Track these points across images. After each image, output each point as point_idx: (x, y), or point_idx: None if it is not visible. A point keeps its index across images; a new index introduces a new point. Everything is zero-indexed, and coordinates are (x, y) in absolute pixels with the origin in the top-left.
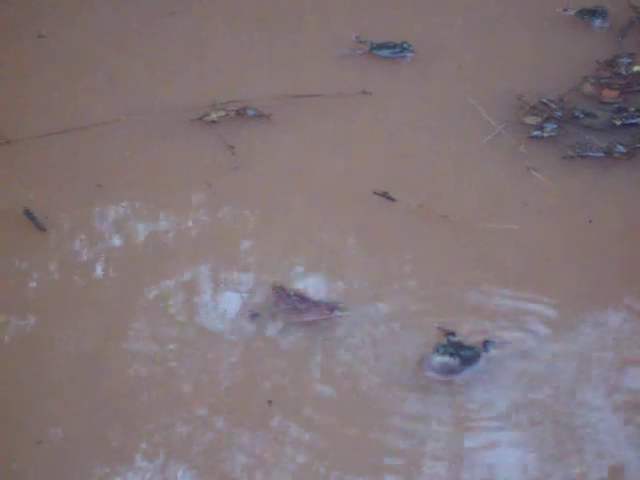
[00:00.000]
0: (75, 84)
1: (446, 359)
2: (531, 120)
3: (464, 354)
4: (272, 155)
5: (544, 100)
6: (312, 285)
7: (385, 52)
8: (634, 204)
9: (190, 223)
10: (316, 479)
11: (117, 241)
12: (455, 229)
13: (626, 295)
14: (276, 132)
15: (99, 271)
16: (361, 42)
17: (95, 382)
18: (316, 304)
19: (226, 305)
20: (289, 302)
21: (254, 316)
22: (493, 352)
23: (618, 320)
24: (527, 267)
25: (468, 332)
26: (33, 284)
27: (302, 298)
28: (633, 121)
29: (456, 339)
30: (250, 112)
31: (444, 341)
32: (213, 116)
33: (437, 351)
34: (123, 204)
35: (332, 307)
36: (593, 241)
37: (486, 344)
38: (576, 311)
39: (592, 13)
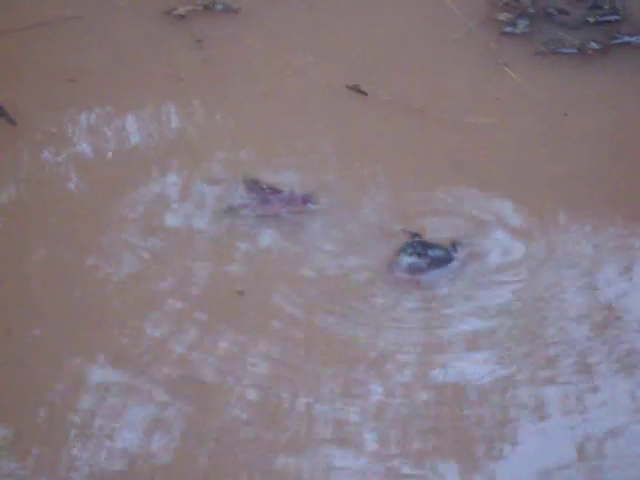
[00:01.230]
0: None
1: (414, 259)
2: (504, 17)
3: (432, 254)
4: (241, 49)
5: None
6: (285, 180)
7: None
8: (608, 99)
9: (161, 118)
10: (289, 370)
11: (88, 141)
12: (428, 124)
13: (601, 191)
14: (245, 26)
15: (70, 172)
16: None
17: (68, 286)
18: (289, 197)
19: (200, 201)
20: (262, 195)
21: (228, 210)
22: (462, 253)
23: (592, 222)
24: (502, 164)
25: (438, 231)
26: (3, 184)
27: (275, 191)
28: (607, 18)
29: (424, 240)
30: (218, 6)
31: (412, 241)
32: (181, 10)
33: (405, 251)
34: (94, 97)
35: (305, 200)
36: (568, 135)
37: (455, 245)
38: (549, 211)
39: None
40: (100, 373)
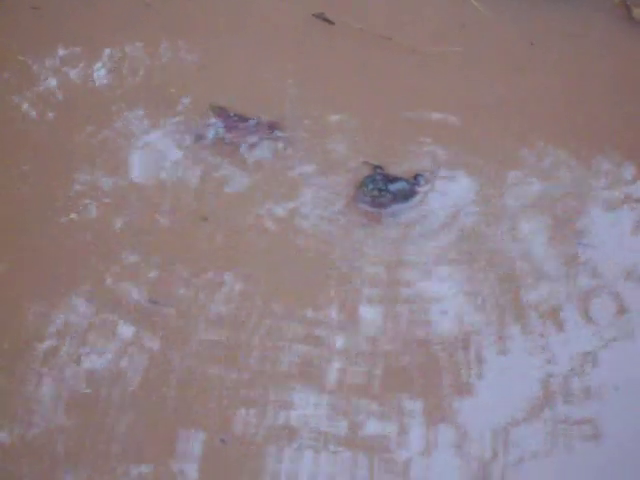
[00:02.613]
0: None
1: (375, 193)
2: None
3: (393, 188)
4: None
5: None
6: (252, 107)
7: None
8: (574, 28)
9: (125, 47)
10: (257, 291)
11: (53, 71)
12: (395, 53)
13: (566, 119)
14: None
15: (35, 112)
16: None
17: (29, 225)
18: (256, 124)
19: (167, 129)
20: (229, 123)
21: (196, 138)
22: (424, 185)
23: (553, 148)
24: (469, 93)
25: (402, 162)
26: None
27: (242, 118)
28: None
29: (386, 172)
30: None
31: (374, 174)
32: None
33: (366, 185)
34: (60, 24)
35: (272, 127)
36: (535, 64)
37: (417, 177)
38: (515, 140)
39: None
40: (73, 304)
